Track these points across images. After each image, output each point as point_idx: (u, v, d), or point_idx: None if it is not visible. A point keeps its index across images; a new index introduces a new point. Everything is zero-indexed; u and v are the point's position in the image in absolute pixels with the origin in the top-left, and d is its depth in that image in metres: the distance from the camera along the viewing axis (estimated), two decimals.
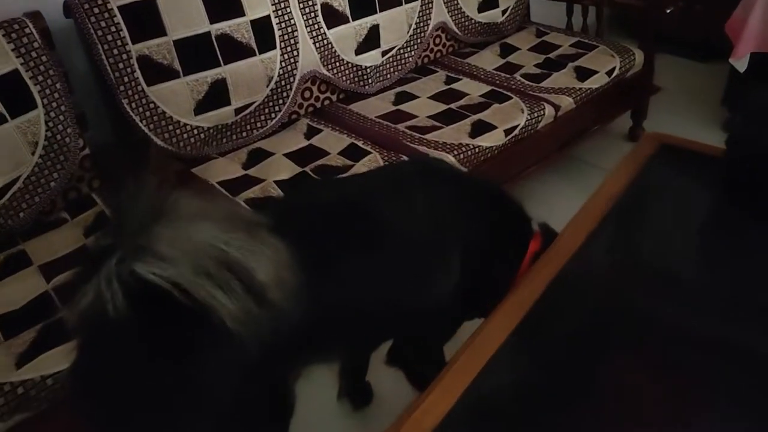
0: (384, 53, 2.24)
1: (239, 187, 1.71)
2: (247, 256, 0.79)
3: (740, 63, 2.43)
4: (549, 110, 2.11)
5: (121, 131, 1.81)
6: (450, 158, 1.82)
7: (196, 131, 1.84)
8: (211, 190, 1.70)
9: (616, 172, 1.47)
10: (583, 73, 2.29)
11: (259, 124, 1.98)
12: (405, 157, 1.81)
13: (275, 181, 1.73)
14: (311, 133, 2.00)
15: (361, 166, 1.79)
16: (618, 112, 2.48)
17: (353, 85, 2.19)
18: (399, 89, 2.26)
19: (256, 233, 0.82)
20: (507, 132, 1.98)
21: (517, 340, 1.05)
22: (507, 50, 2.51)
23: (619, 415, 0.96)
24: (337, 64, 2.12)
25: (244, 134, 1.95)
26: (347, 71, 2.16)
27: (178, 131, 1.81)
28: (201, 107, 1.84)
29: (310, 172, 1.78)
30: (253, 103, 1.94)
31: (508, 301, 1.12)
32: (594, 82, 2.26)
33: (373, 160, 1.81)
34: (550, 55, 2.44)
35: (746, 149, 1.29)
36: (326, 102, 2.18)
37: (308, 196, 1.19)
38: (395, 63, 2.29)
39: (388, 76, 2.27)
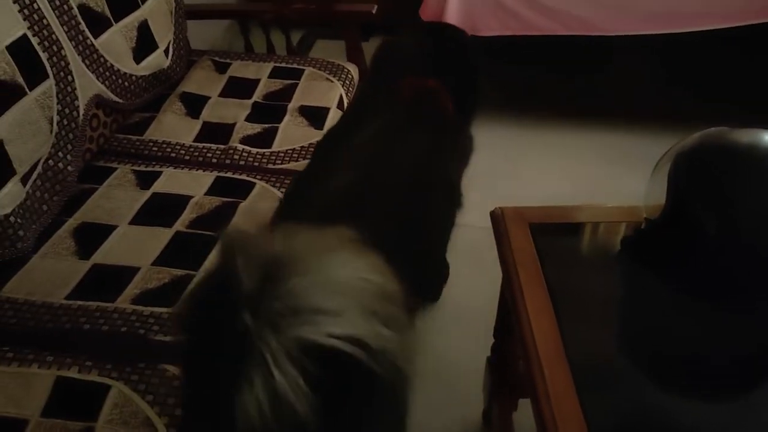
0: (25, 179, 1.31)
1: None
2: (382, 279, 0.70)
3: None
4: None
5: None
6: None
7: None
8: None
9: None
10: (313, 115, 1.74)
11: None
12: None
13: None
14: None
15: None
16: None
17: None
18: (75, 222, 1.37)
19: (359, 251, 0.72)
20: None
21: None
22: (194, 104, 1.77)
23: None
24: None
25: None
26: None
27: None
28: None
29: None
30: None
31: None
32: (332, 123, 1.73)
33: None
34: (256, 99, 1.80)
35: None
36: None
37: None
38: (49, 184, 1.38)
39: (45, 208, 1.36)
